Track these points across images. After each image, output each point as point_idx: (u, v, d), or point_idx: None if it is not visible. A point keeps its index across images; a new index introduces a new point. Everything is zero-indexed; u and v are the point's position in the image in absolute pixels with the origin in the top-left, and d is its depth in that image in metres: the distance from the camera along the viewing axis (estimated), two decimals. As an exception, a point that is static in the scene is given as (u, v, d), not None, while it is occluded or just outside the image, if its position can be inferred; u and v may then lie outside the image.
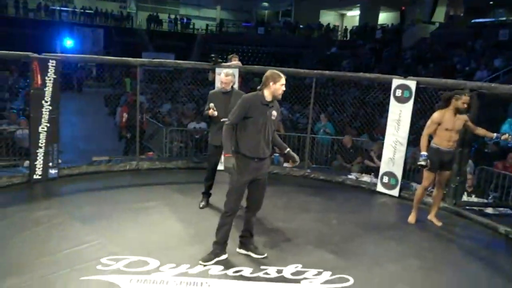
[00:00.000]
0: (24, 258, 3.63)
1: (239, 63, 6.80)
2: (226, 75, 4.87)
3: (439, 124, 4.76)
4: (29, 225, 4.23)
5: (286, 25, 29.45)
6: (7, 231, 4.10)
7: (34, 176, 5.57)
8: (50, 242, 3.95)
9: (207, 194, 5.10)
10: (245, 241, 3.97)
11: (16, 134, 7.29)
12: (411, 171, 6.91)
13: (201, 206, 5.03)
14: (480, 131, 4.95)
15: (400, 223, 5.07)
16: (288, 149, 3.88)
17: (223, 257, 3.80)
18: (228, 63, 6.70)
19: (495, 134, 4.98)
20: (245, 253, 3.95)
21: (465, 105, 4.70)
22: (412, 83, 5.77)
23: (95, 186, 5.64)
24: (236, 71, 6.38)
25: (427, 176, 4.91)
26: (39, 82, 5.48)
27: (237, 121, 3.63)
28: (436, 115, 4.80)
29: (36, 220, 4.36)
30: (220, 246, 3.79)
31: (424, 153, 4.77)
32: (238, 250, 3.98)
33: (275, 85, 3.63)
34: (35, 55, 5.49)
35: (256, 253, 3.92)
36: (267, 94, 3.66)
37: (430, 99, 6.20)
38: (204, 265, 3.67)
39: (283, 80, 3.66)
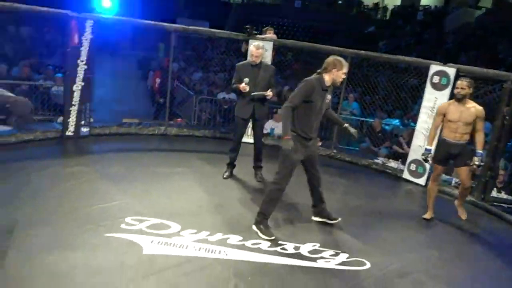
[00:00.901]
0: (54, 211, 3.79)
1: (274, 36, 6.70)
2: (257, 48, 4.81)
3: (444, 115, 4.54)
4: (61, 179, 4.40)
5: (324, 0, 28.62)
6: (41, 184, 4.28)
7: (67, 133, 5.75)
8: (79, 197, 4.10)
9: (231, 165, 5.14)
10: (318, 210, 4.22)
11: (51, 90, 7.49)
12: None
13: (225, 176, 5.09)
14: (479, 137, 4.47)
15: (423, 213, 4.99)
16: (346, 124, 4.14)
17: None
18: (262, 36, 6.61)
19: (476, 158, 4.46)
20: (320, 220, 4.22)
21: (460, 91, 4.37)
22: (451, 70, 5.57)
23: (124, 147, 5.79)
24: (270, 45, 6.30)
25: (434, 168, 4.75)
26: (76, 40, 5.58)
27: (298, 104, 3.72)
28: (440, 106, 4.65)
29: (67, 175, 4.52)
30: (267, 219, 3.90)
31: (427, 147, 4.66)
32: (313, 218, 4.26)
33: (338, 73, 3.75)
34: (74, 14, 5.55)
35: (330, 219, 4.21)
36: (328, 79, 3.77)
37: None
38: (270, 239, 3.76)
39: (345, 69, 3.78)
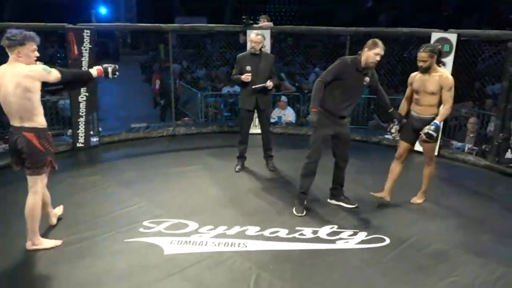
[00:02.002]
0: (73, 221, 3.87)
1: (271, 24, 6.67)
2: (256, 35, 4.82)
3: (412, 85, 4.11)
4: (76, 190, 4.49)
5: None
6: (57, 196, 4.34)
7: (77, 144, 5.84)
8: (96, 205, 4.18)
9: (242, 158, 5.17)
10: (336, 193, 4.26)
11: (58, 103, 7.58)
12: (452, 129, 6.68)
13: (236, 169, 5.12)
14: (442, 108, 3.94)
15: (439, 183, 4.96)
16: (392, 108, 4.10)
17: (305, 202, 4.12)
18: (259, 24, 6.58)
19: (428, 127, 3.86)
20: (336, 203, 4.25)
21: (422, 65, 3.89)
22: (452, 36, 5.48)
23: (135, 152, 5.86)
24: (267, 33, 6.27)
25: (399, 144, 4.27)
26: (76, 52, 5.63)
27: (329, 80, 3.77)
28: (410, 76, 4.17)
29: (82, 185, 4.60)
30: (304, 193, 4.06)
31: (395, 119, 4.18)
32: (329, 201, 4.31)
33: (369, 52, 3.74)
34: (70, 25, 5.61)
35: (347, 203, 4.21)
36: (363, 60, 3.77)
37: (473, 52, 5.89)
38: (302, 216, 3.99)
39: (377, 49, 3.72)
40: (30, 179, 3.33)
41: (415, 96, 4.02)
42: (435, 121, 3.87)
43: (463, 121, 6.78)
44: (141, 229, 3.73)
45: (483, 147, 5.73)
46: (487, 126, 6.47)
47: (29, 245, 3.37)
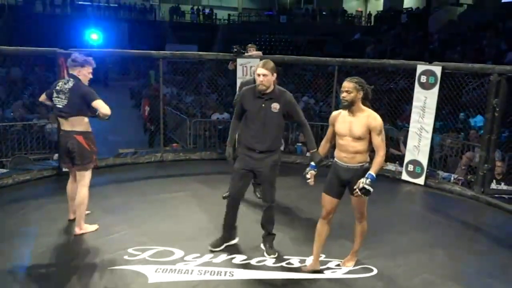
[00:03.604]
0: (55, 248, 3.78)
1: (260, 53, 6.78)
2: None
3: (334, 127, 3.40)
4: (60, 215, 4.39)
5: (309, 12, 29.07)
6: (41, 222, 4.27)
7: (63, 169, 5.74)
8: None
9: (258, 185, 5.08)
10: (263, 235, 3.89)
11: (46, 127, 7.53)
12: (439, 160, 6.77)
13: (224, 196, 5.06)
14: (376, 156, 3.24)
15: (426, 212, 5.00)
16: (314, 150, 3.62)
17: (232, 242, 3.88)
18: (248, 53, 6.69)
19: (363, 180, 3.15)
20: (262, 247, 3.85)
21: (345, 96, 3.23)
22: (437, 69, 5.63)
23: (122, 177, 5.79)
24: (256, 61, 6.36)
25: (322, 199, 3.47)
26: (66, 77, 5.62)
27: (238, 112, 3.73)
28: (332, 114, 3.47)
29: (66, 211, 4.51)
30: (224, 231, 3.86)
31: (312, 163, 3.54)
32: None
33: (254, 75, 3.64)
34: (61, 50, 5.62)
35: (267, 252, 3.78)
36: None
37: (457, 85, 6.04)
38: (214, 250, 3.76)
39: (258, 70, 3.53)
40: (79, 174, 4.05)
41: (340, 141, 3.32)
42: (370, 172, 3.18)
43: (449, 152, 6.89)
44: (126, 257, 3.65)
45: (469, 177, 5.81)
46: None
47: (77, 231, 4.01)
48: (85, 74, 4.02)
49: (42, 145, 6.81)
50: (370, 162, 3.31)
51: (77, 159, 3.98)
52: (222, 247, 3.80)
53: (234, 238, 3.90)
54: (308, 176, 3.47)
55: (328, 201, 3.41)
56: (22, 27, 19.72)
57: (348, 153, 3.28)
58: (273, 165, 3.67)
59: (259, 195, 5.10)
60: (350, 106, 3.25)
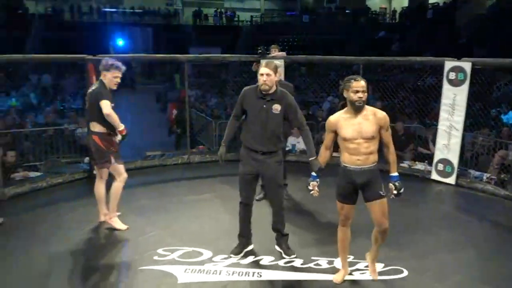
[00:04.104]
0: (86, 249, 3.89)
1: (283, 54, 6.77)
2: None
3: (335, 132, 3.20)
4: (91, 217, 4.50)
5: (331, 11, 28.83)
6: (73, 224, 4.39)
7: (94, 172, 5.88)
8: (111, 233, 4.19)
9: (263, 187, 5.07)
10: (276, 237, 3.85)
11: (76, 132, 7.73)
12: (470, 158, 6.59)
13: (257, 198, 5.01)
14: (389, 153, 3.20)
15: (457, 212, 4.88)
16: (314, 157, 3.47)
17: (250, 247, 3.84)
18: (272, 54, 6.69)
19: (392, 185, 3.15)
20: (278, 249, 3.82)
21: (362, 97, 3.05)
22: (467, 65, 5.49)
23: (150, 179, 5.89)
24: (280, 62, 6.36)
25: (339, 208, 3.29)
26: (94, 81, 5.76)
27: (238, 113, 3.70)
28: (329, 120, 3.23)
29: (97, 213, 4.62)
30: (240, 237, 3.82)
31: (313, 173, 3.35)
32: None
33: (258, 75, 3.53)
34: (89, 57, 5.76)
35: (285, 253, 3.76)
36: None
37: (488, 80, 5.88)
38: (236, 257, 3.72)
39: (261, 69, 3.51)
40: (98, 170, 4.34)
41: (349, 145, 3.12)
42: (393, 174, 3.16)
43: (480, 150, 6.69)
44: (156, 257, 3.71)
45: (502, 176, 5.63)
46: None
47: (108, 219, 4.30)
48: (110, 78, 4.10)
49: (73, 149, 6.99)
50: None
51: (95, 158, 4.31)
52: (242, 253, 3.78)
53: (251, 243, 3.88)
54: (310, 187, 3.29)
55: (345, 208, 3.25)
56: (51, 35, 20.32)
57: (361, 155, 3.11)
58: (277, 166, 3.65)
59: (285, 197, 5.07)
60: (363, 107, 3.12)
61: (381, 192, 3.15)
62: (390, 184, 3.14)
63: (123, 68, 4.17)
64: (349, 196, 3.23)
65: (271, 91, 3.54)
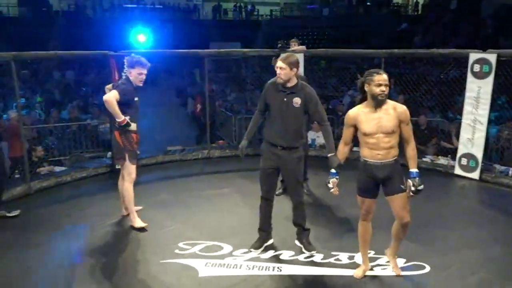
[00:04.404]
0: (108, 240, 3.98)
1: (303, 48, 6.72)
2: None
3: (355, 127, 3.19)
4: (113, 211, 4.59)
5: (352, 3, 28.41)
6: (96, 217, 4.49)
7: (117, 166, 5.99)
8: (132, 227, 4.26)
9: (282, 182, 5.07)
10: (297, 232, 3.85)
11: (99, 127, 7.88)
12: (494, 152, 6.43)
13: (277, 193, 5.01)
14: (409, 149, 3.15)
15: (481, 208, 4.78)
16: (333, 153, 3.42)
17: (270, 242, 3.85)
18: (292, 48, 6.65)
19: (411, 181, 3.10)
20: (298, 244, 3.83)
21: (383, 89, 3.01)
22: (492, 57, 5.34)
23: (171, 174, 5.97)
24: (301, 56, 6.32)
25: (360, 202, 3.28)
26: (117, 78, 5.85)
27: (261, 108, 3.70)
28: (348, 115, 3.21)
29: (120, 207, 4.71)
30: (260, 231, 3.83)
31: (332, 170, 3.32)
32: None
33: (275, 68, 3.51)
34: (112, 52, 5.85)
35: (305, 248, 3.76)
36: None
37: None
38: (257, 252, 3.73)
39: (277, 62, 3.50)
40: (121, 166, 4.29)
41: (369, 140, 3.10)
42: (412, 170, 3.11)
43: (505, 144, 6.52)
44: (177, 251, 3.77)
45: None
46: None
47: (125, 212, 4.42)
48: (135, 75, 4.09)
49: (96, 144, 7.13)
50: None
51: (114, 152, 4.57)
52: (262, 248, 3.80)
53: (271, 238, 3.89)
54: (330, 185, 3.27)
55: (366, 203, 3.23)
56: (75, 32, 20.68)
57: (382, 149, 3.08)
58: (297, 161, 3.63)
59: (306, 192, 5.06)
60: (385, 101, 3.08)
61: (402, 186, 3.13)
62: (409, 181, 3.10)
63: (148, 64, 4.13)
64: (370, 190, 3.21)
65: (289, 84, 3.53)
